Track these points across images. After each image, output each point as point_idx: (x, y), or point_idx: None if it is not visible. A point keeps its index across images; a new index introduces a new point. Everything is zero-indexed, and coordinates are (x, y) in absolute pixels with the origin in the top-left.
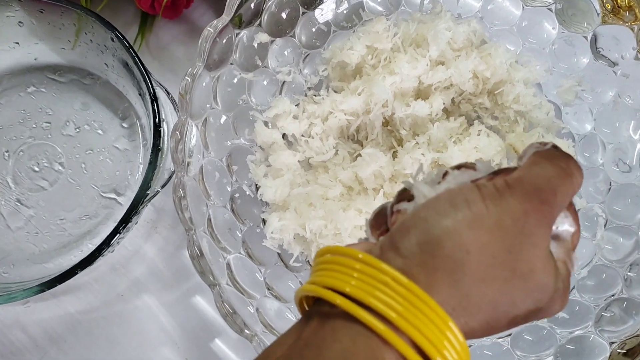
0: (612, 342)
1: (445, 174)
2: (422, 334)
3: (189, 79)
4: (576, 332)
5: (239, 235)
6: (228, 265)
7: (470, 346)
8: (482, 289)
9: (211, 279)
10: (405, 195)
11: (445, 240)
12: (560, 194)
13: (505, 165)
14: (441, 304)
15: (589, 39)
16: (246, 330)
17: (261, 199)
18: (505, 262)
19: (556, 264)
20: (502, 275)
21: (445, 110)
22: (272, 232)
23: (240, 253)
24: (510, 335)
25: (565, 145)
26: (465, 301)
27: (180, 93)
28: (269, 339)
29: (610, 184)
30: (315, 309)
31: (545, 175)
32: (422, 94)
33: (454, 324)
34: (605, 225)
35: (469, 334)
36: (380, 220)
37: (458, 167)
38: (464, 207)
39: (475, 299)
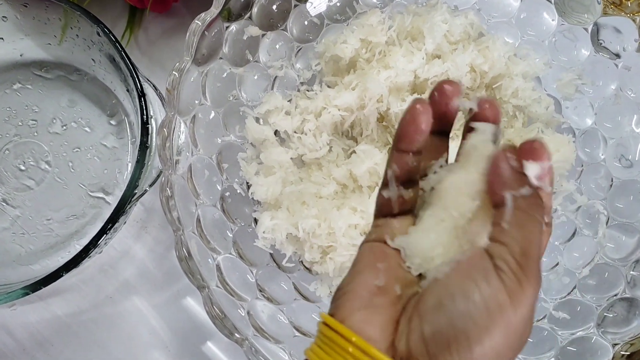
0: (615, 344)
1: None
2: None
3: (176, 74)
4: (578, 333)
5: (230, 235)
6: (218, 266)
7: None
8: None
9: (200, 281)
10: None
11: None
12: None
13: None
14: None
15: (589, 30)
16: (236, 334)
17: (252, 198)
18: (518, 349)
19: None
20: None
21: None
22: (263, 232)
23: (230, 254)
24: None
25: (565, 141)
26: None
27: (167, 88)
28: (260, 343)
29: (612, 180)
30: None
31: (536, 241)
32: (418, 88)
33: None
34: (607, 223)
35: None
36: (384, 189)
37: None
38: (499, 317)
39: None
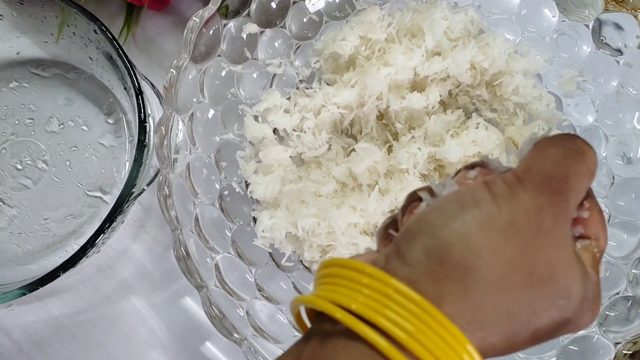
0: (617, 343)
1: (457, 173)
2: (436, 357)
3: (174, 72)
4: (579, 332)
5: (228, 234)
6: (216, 266)
7: None
8: (497, 298)
9: (198, 280)
10: (414, 197)
11: (454, 244)
12: (573, 178)
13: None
14: (454, 317)
15: (590, 27)
16: (235, 334)
17: (251, 197)
18: (521, 265)
19: (584, 266)
20: (519, 281)
21: (442, 102)
22: (262, 231)
23: (229, 253)
24: None
25: (549, 127)
26: (479, 312)
27: (164, 86)
28: (259, 343)
29: (613, 178)
30: (316, 326)
31: (553, 159)
32: (417, 86)
33: (472, 347)
34: (608, 221)
35: (488, 352)
36: (391, 228)
37: (472, 166)
38: (473, 206)
39: (490, 309)
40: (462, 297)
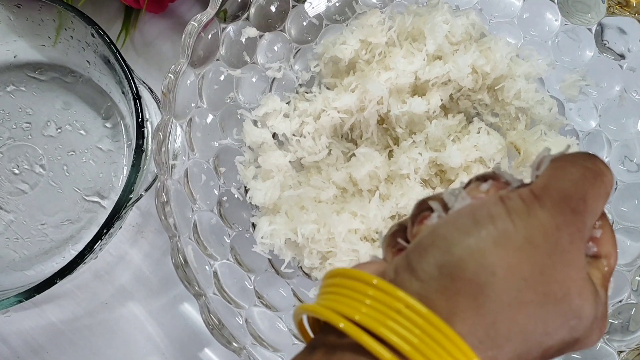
0: (621, 351)
1: (468, 184)
2: None
3: (172, 77)
4: None
5: (227, 241)
6: (215, 273)
7: None
8: (511, 316)
9: (197, 288)
10: (424, 206)
11: (468, 261)
12: (591, 200)
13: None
14: (465, 336)
15: (593, 31)
16: (234, 343)
17: (250, 202)
18: (536, 284)
19: (595, 287)
20: (534, 300)
21: (443, 107)
22: (262, 237)
23: (228, 260)
24: None
25: (569, 143)
26: (492, 331)
27: (162, 91)
28: (258, 352)
29: (616, 184)
30: (320, 338)
31: (572, 179)
32: (418, 90)
33: None
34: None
35: None
36: (398, 236)
37: (484, 178)
38: (488, 222)
39: (503, 329)
40: (474, 315)
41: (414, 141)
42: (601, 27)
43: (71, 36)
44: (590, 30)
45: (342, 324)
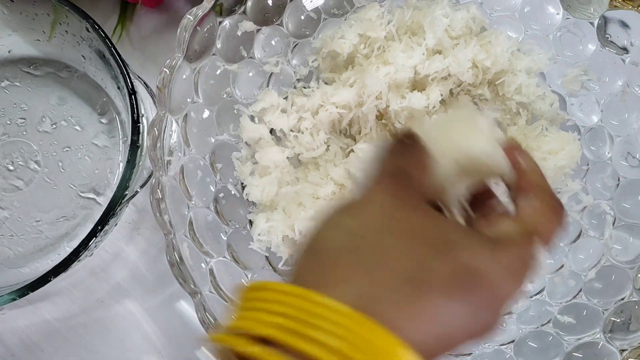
0: (623, 350)
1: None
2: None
3: (167, 71)
4: (584, 339)
5: (224, 238)
6: (211, 270)
7: (469, 354)
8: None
9: (192, 286)
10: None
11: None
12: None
13: None
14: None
15: (595, 24)
16: None
17: (247, 199)
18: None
19: (489, 239)
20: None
21: (442, 102)
22: (259, 234)
23: (224, 257)
24: (513, 342)
25: (570, 139)
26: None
27: (157, 86)
28: None
29: (618, 180)
30: None
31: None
32: (418, 85)
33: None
34: (613, 224)
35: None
36: None
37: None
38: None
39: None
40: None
41: None
42: (604, 21)
43: (66, 31)
44: (592, 23)
45: (249, 349)
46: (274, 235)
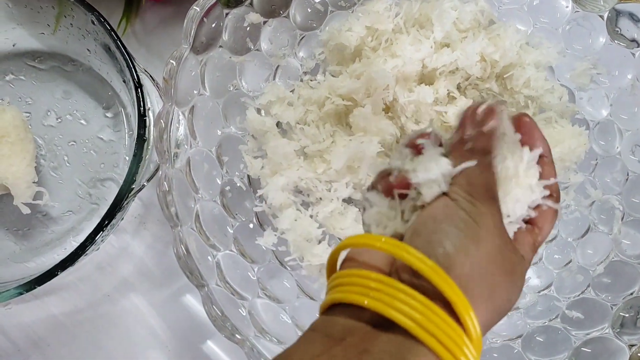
0: (632, 345)
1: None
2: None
3: (174, 63)
4: (592, 334)
5: (230, 231)
6: (217, 264)
7: None
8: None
9: (199, 279)
10: (385, 172)
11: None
12: (494, 185)
13: None
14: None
15: (605, 18)
16: (237, 335)
17: (259, 196)
18: (500, 261)
19: (520, 253)
20: (496, 272)
21: (450, 96)
22: (282, 233)
23: (231, 250)
24: (521, 337)
25: (576, 132)
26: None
27: (164, 78)
28: (261, 344)
29: (627, 174)
30: (338, 324)
31: (478, 173)
32: (426, 78)
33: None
34: (622, 219)
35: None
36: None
37: (421, 135)
38: (464, 228)
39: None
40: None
41: None
42: (614, 14)
43: (71, 24)
44: (602, 17)
45: (366, 301)
46: (297, 233)
